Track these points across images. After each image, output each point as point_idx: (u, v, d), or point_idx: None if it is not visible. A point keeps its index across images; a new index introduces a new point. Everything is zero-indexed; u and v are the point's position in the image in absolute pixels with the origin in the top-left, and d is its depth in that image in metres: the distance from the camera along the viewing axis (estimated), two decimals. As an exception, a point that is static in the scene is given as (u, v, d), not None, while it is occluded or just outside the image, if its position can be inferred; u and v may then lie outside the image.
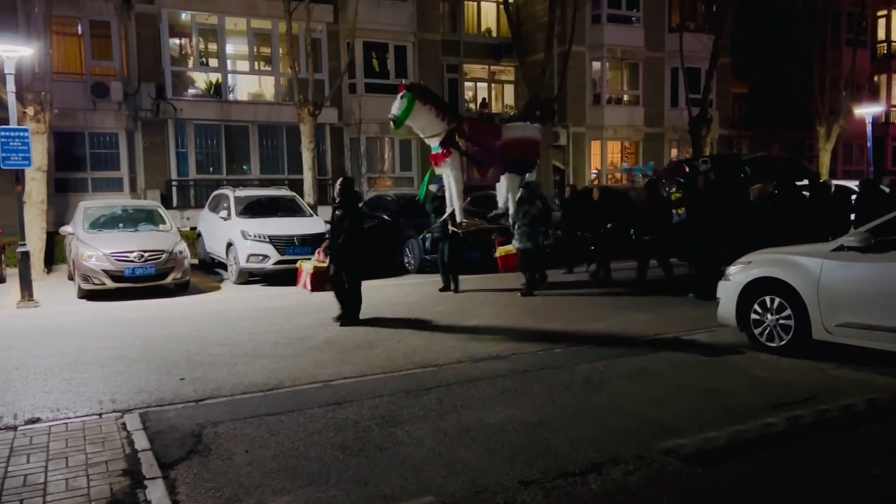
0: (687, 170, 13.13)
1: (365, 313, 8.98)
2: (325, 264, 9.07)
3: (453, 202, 11.68)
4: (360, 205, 9.44)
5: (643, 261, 11.67)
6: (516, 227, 11.27)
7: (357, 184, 21.55)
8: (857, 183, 14.70)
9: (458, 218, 11.63)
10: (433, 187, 12.29)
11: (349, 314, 8.88)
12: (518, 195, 11.57)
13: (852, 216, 13.18)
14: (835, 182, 16.84)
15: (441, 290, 11.57)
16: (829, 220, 12.73)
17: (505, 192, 12.66)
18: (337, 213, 8.88)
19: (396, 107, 11.14)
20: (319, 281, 9.21)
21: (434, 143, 11.62)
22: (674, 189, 12.71)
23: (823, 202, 13.11)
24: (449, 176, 11.71)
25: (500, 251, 12.18)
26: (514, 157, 12.39)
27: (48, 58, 14.61)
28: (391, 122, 11.35)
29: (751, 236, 9.40)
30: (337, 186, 9.04)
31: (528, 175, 12.69)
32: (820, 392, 5.62)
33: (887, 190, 13.09)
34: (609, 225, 12.68)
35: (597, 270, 12.83)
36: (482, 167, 12.27)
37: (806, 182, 13.51)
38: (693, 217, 10.88)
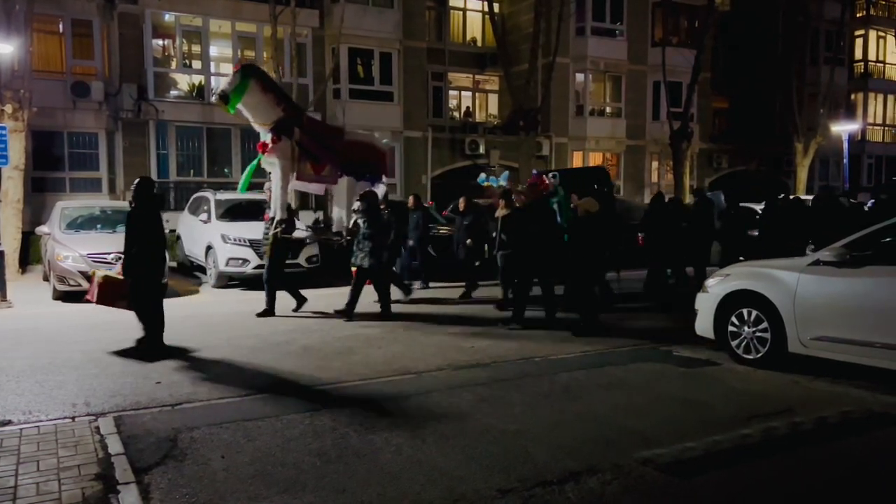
0: (547, 182, 12.29)
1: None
2: (122, 278, 7.74)
3: (276, 197, 10.39)
4: (161, 210, 8.06)
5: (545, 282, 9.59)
6: (356, 242, 9.97)
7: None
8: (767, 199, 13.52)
9: (279, 215, 10.12)
10: (267, 186, 10.94)
11: (149, 338, 7.57)
12: (354, 206, 10.34)
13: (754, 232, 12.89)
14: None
15: (260, 314, 9.78)
16: (704, 236, 12.55)
17: (344, 202, 11.95)
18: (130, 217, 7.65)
19: (228, 83, 10.13)
20: (109, 294, 7.77)
21: (264, 131, 10.67)
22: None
23: (702, 217, 12.75)
24: (275, 166, 10.60)
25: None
26: (355, 159, 11.70)
27: (28, 55, 14.44)
28: (219, 97, 10.32)
29: (584, 255, 8.83)
30: (133, 187, 7.65)
31: (380, 188, 11.88)
32: (795, 404, 5.69)
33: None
34: (469, 241, 11.73)
35: (466, 291, 11.73)
36: (316, 162, 11.11)
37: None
38: (513, 237, 9.69)
